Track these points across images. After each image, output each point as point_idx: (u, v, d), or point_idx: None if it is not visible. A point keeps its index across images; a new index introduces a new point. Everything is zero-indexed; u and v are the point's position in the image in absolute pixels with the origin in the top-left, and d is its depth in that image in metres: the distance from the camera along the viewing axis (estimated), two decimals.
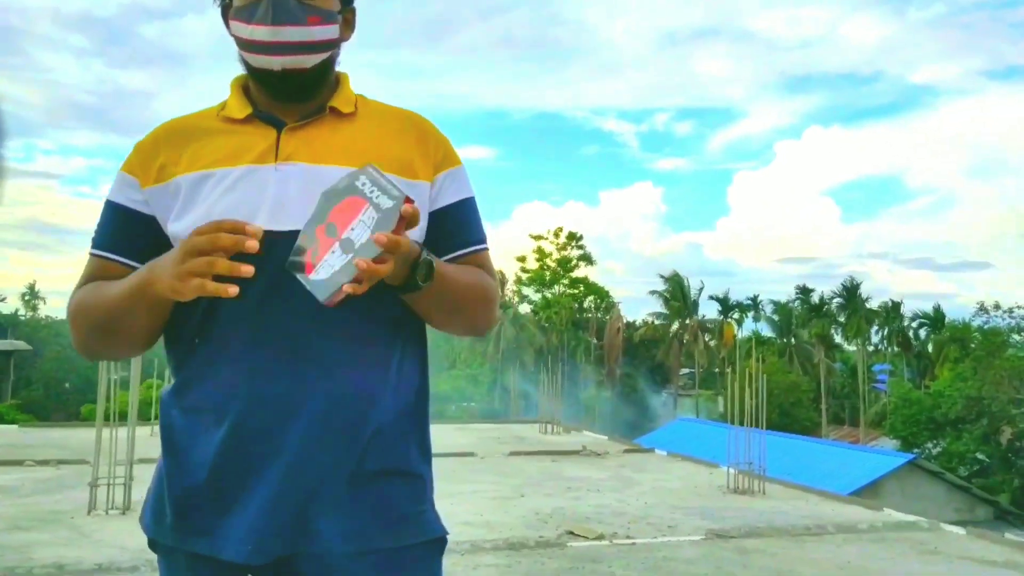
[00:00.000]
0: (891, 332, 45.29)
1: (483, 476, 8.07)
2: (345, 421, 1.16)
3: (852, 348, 46.47)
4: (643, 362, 49.04)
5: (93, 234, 1.25)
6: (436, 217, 1.25)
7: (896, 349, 45.82)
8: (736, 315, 52.76)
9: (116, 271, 1.21)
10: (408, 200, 1.04)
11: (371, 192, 1.04)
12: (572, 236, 50.59)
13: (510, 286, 49.68)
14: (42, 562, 4.44)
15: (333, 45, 1.24)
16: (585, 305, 52.03)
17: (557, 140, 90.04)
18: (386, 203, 1.04)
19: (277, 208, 1.14)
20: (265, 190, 1.16)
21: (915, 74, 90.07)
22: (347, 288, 1.02)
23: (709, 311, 49.36)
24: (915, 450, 25.53)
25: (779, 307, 50.44)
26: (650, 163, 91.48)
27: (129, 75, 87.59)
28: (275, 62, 1.18)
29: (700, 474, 8.72)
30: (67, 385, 41.66)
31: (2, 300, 54.20)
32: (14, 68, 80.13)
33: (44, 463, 7.87)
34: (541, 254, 50.35)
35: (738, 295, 50.33)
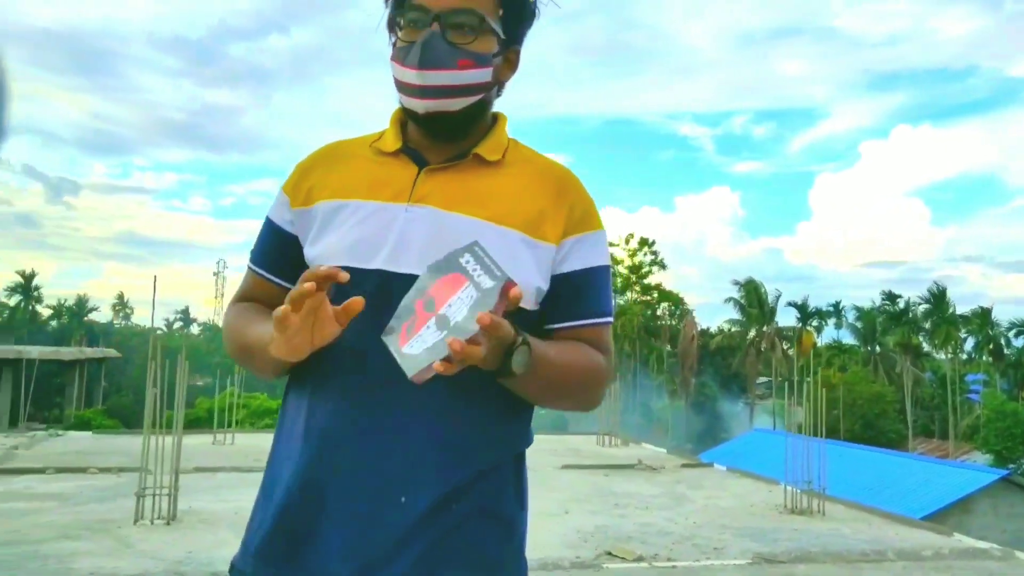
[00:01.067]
0: (983, 340, 42.88)
1: (530, 491, 7.94)
2: (439, 464, 1.10)
3: (942, 357, 44.21)
4: (719, 371, 47.90)
5: (252, 246, 1.29)
6: (557, 281, 1.18)
7: (989, 358, 43.37)
8: (815, 322, 50.99)
9: (264, 287, 1.26)
10: (510, 283, 0.99)
11: (473, 270, 1.00)
12: (644, 242, 49.95)
13: None
14: (79, 572, 4.56)
15: (483, 88, 1.19)
16: (658, 312, 51.23)
17: (630, 146, 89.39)
18: (487, 283, 0.99)
19: (399, 249, 1.13)
20: (391, 229, 1.14)
21: (1012, 68, 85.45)
22: (437, 367, 0.96)
23: (788, 318, 47.84)
24: (1010, 465, 24.08)
25: (862, 313, 48.49)
26: (727, 167, 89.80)
27: (217, 93, 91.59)
28: (419, 105, 1.16)
29: (758, 492, 8.36)
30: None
31: (95, 310, 57.08)
32: (113, 89, 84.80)
33: (106, 470, 8.16)
34: (612, 261, 49.93)
35: (819, 301, 48.65)
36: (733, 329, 47.55)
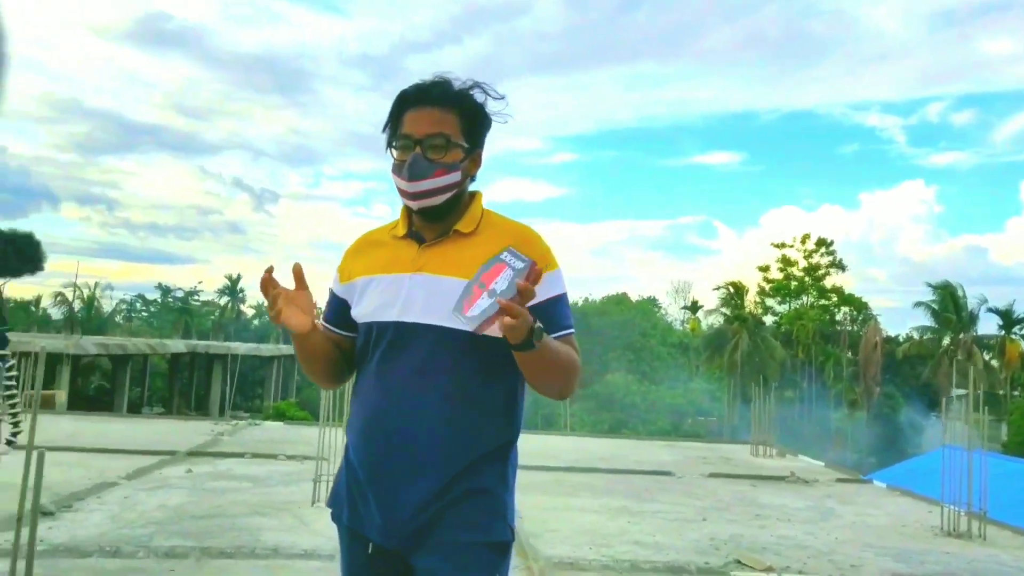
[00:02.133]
0: None
1: (671, 496, 8.10)
2: (442, 455, 1.65)
3: None
4: (906, 381, 44.44)
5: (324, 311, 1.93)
6: (533, 310, 1.63)
7: None
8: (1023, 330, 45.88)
9: (328, 335, 1.87)
10: (535, 264, 1.52)
11: (510, 260, 1.54)
12: (821, 242, 47.33)
13: (751, 296, 47.58)
14: (264, 544, 5.37)
15: (457, 186, 1.73)
16: (838, 317, 48.36)
17: (810, 140, 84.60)
18: (519, 265, 1.53)
19: (407, 306, 1.68)
20: (400, 292, 1.70)
21: None
22: (494, 320, 1.48)
23: (990, 325, 43.35)
24: None
25: None
26: (921, 159, 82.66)
27: None
28: (413, 204, 1.75)
29: (916, 511, 8.00)
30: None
31: None
32: (307, 105, 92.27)
33: (292, 457, 9.24)
34: (786, 263, 47.70)
35: None
36: (925, 336, 43.90)
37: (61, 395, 14.75)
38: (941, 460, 7.47)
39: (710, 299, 50.73)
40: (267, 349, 41.21)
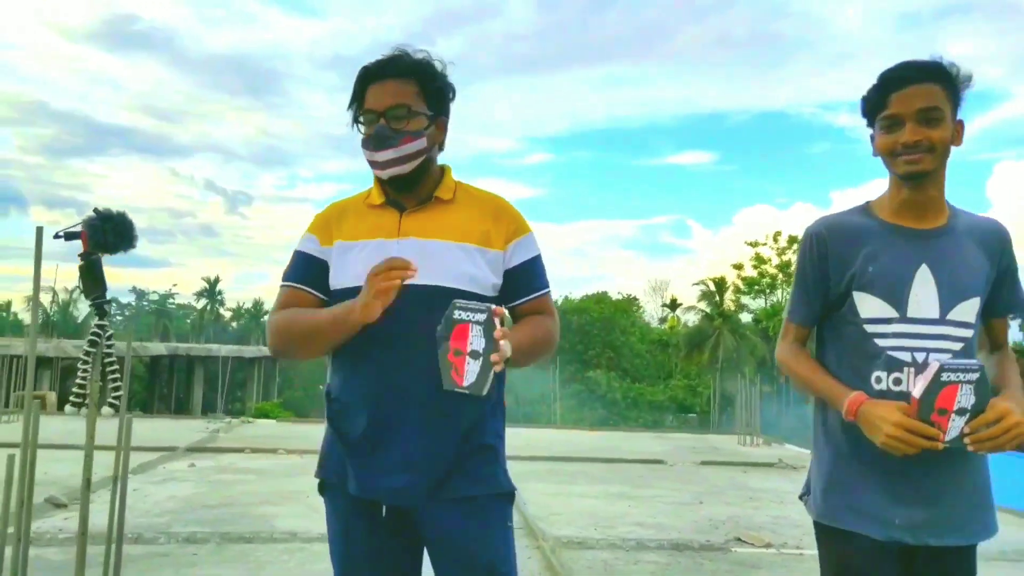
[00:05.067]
0: None
1: (667, 483, 8.34)
2: (453, 410, 1.71)
3: None
4: None
5: (284, 273, 1.91)
6: (509, 274, 1.81)
7: None
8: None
9: (302, 297, 1.83)
10: (496, 308, 1.59)
11: (468, 316, 1.57)
12: (793, 240, 48.11)
13: (728, 295, 48.22)
14: (281, 529, 5.51)
15: (423, 153, 1.80)
16: None
17: (782, 140, 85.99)
18: (480, 316, 1.57)
19: None
20: (390, 255, 1.69)
21: None
22: (494, 372, 1.56)
23: None
24: None
25: None
26: None
27: None
28: (383, 173, 1.81)
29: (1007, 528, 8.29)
30: (321, 387, 46.94)
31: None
32: (279, 107, 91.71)
33: (292, 452, 9.35)
34: (759, 260, 48.40)
35: None
36: None
37: (51, 396, 14.76)
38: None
39: (687, 296, 51.25)
40: (249, 351, 41.01)
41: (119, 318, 65.96)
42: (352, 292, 1.72)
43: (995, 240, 1.77)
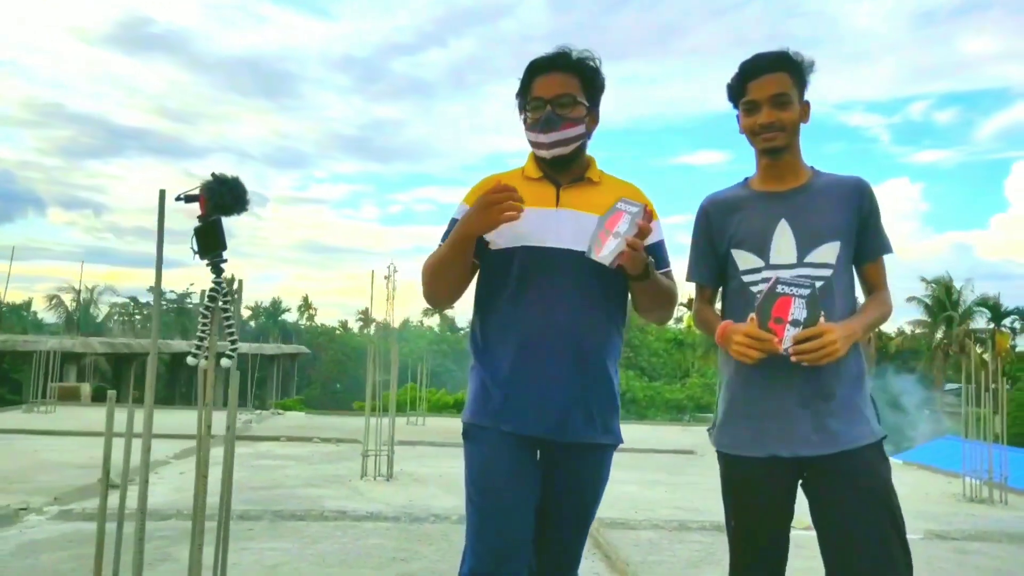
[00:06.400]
0: None
1: (700, 471, 8.39)
2: (583, 363, 1.95)
3: None
4: (899, 374, 45.02)
5: (443, 235, 2.06)
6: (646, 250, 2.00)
7: None
8: (1016, 323, 46.58)
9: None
10: (647, 209, 1.86)
11: (626, 208, 1.87)
12: None
13: None
14: (330, 508, 5.62)
15: (581, 138, 2.04)
16: None
17: None
18: (634, 210, 1.86)
19: (558, 235, 1.96)
20: (551, 223, 1.97)
21: None
22: (624, 254, 1.81)
23: (978, 320, 43.93)
24: None
25: None
26: (906, 157, 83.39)
27: (383, 107, 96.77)
28: (547, 153, 2.04)
29: (935, 482, 8.33)
30: (338, 386, 47.30)
31: (287, 311, 62.51)
32: (293, 109, 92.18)
33: (327, 440, 9.48)
34: None
35: (1020, 300, 44.06)
36: (917, 331, 44.46)
37: (86, 388, 15.03)
38: (941, 449, 7.76)
39: None
40: (269, 348, 41.32)
41: (138, 317, 66.67)
42: (512, 252, 1.96)
43: (853, 191, 2.01)
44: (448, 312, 55.93)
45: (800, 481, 1.96)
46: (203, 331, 2.23)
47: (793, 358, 1.81)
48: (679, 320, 56.94)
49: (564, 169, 2.04)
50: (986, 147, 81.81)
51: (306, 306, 66.32)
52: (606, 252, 1.81)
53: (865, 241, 2.02)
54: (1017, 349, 41.54)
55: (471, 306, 2.11)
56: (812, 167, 2.09)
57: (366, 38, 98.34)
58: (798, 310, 1.81)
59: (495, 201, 1.82)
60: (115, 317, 62.57)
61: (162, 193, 2.10)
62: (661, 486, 7.30)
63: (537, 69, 2.02)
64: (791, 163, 2.03)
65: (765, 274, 1.95)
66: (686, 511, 6.17)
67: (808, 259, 1.94)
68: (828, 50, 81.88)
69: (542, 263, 1.94)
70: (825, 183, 2.04)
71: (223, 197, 2.11)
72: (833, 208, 1.99)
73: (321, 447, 9.11)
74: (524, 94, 2.04)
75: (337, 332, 64.44)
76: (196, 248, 2.18)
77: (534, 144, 2.04)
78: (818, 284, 1.88)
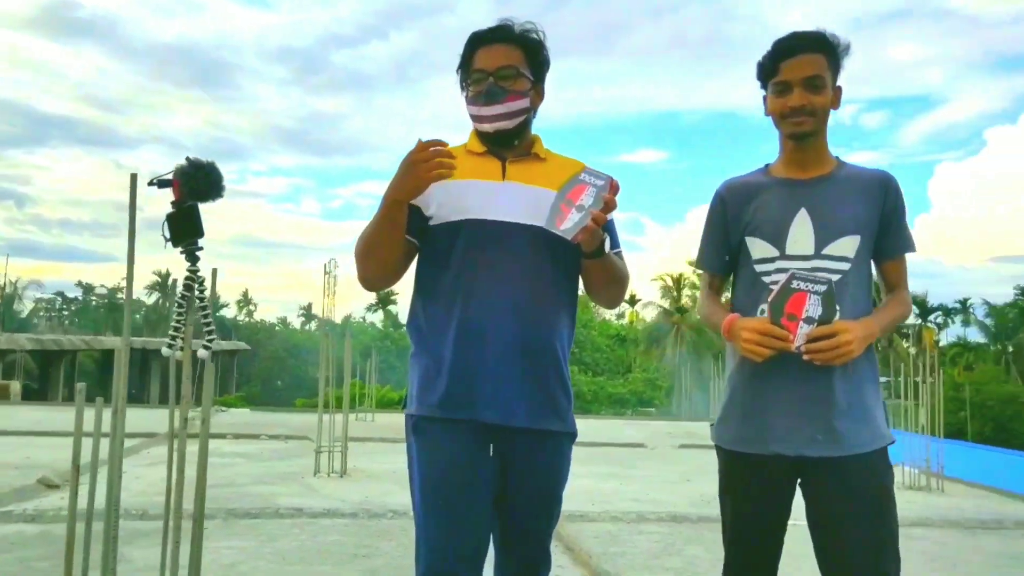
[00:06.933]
0: None
1: (651, 464, 8.51)
2: (533, 345, 1.83)
3: None
4: None
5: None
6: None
7: None
8: (939, 319, 48.70)
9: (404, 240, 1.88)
10: (612, 181, 1.73)
11: (590, 180, 1.74)
12: None
13: (686, 292, 48.93)
14: (285, 505, 5.50)
15: (525, 112, 1.92)
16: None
17: (733, 139, 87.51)
18: (599, 183, 1.73)
19: (505, 208, 1.84)
20: (498, 196, 1.85)
21: None
22: (587, 228, 1.68)
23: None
24: None
25: (992, 310, 46.01)
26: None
27: (323, 100, 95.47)
28: (489, 127, 1.93)
29: None
30: (279, 383, 46.44)
31: (225, 307, 60.99)
32: (229, 100, 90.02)
33: (275, 437, 9.29)
34: None
35: (944, 297, 46.16)
36: None
37: (16, 385, 14.32)
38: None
39: (644, 292, 51.88)
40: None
41: (66, 312, 64.16)
42: (455, 226, 1.83)
43: (877, 185, 1.92)
44: (392, 308, 55.46)
45: (799, 480, 1.90)
46: (179, 321, 2.13)
47: (806, 357, 1.74)
48: (621, 316, 57.68)
49: (509, 145, 1.93)
50: (911, 150, 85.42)
51: (246, 301, 64.84)
52: (569, 225, 1.68)
53: (887, 238, 1.94)
54: (941, 344, 43.39)
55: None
56: (837, 157, 2.00)
57: (305, 29, 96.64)
58: (813, 307, 1.73)
59: (422, 159, 1.65)
60: (40, 313, 60.11)
61: (133, 177, 2.00)
62: (615, 479, 7.37)
63: (478, 41, 1.92)
64: (817, 150, 1.94)
65: (779, 264, 1.87)
66: (643, 503, 6.24)
67: (825, 251, 1.86)
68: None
69: (489, 237, 1.81)
70: (849, 174, 1.95)
71: (198, 182, 2.02)
72: (856, 201, 1.90)
73: (270, 444, 8.92)
74: (465, 67, 1.93)
75: (277, 328, 63.21)
76: (168, 236, 2.07)
77: (476, 118, 1.92)
78: (834, 278, 1.81)
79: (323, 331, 8.80)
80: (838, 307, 1.76)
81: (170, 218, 2.06)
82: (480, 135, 1.95)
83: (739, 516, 1.95)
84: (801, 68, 1.86)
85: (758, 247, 1.92)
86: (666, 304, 47.30)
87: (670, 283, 47.75)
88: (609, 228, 1.91)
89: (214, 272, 2.15)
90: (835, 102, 1.92)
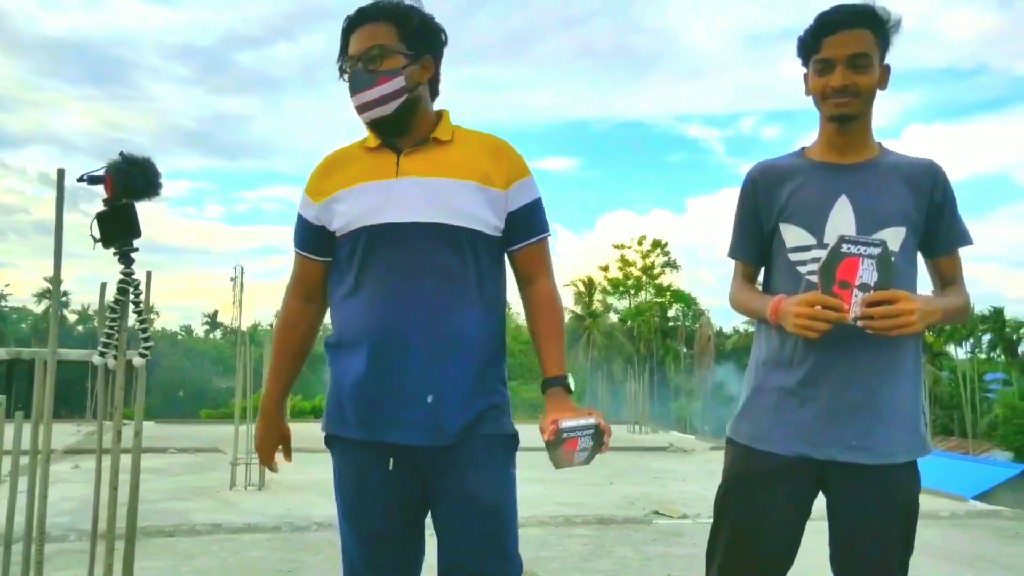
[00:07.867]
0: (998, 339, 43.03)
1: (573, 467, 8.58)
2: (448, 352, 1.66)
3: (960, 356, 44.39)
4: (737, 370, 48.29)
5: (293, 237, 1.83)
6: (512, 216, 1.76)
7: (1008, 357, 43.47)
8: None
9: (307, 266, 1.79)
10: (601, 425, 1.58)
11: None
12: (657, 244, 50.42)
13: (597, 296, 49.87)
14: (201, 522, 5.25)
15: (404, 92, 1.70)
16: (672, 313, 51.68)
17: (641, 148, 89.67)
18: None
19: (400, 208, 1.67)
20: (391, 195, 1.68)
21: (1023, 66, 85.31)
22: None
23: None
24: None
25: None
26: (737, 168, 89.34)
27: (227, 101, 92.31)
28: (364, 116, 1.72)
29: None
30: (181, 393, 44.52)
31: None
32: (126, 98, 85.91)
33: (184, 450, 8.87)
34: (624, 263, 50.37)
35: None
36: (750, 330, 47.86)
37: None
38: None
39: None
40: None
41: None
42: (355, 235, 1.70)
43: (924, 175, 1.76)
44: None
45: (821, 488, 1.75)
46: (112, 327, 1.98)
47: (860, 323, 1.57)
48: None
49: (400, 133, 1.74)
50: None
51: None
52: (581, 458, 1.61)
53: (940, 231, 1.77)
54: None
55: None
56: (880, 143, 1.82)
57: (208, 28, 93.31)
58: (867, 272, 1.56)
59: (262, 451, 1.94)
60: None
61: (60, 172, 1.85)
62: (538, 483, 7.38)
63: (350, 25, 1.74)
64: (860, 134, 1.77)
65: (815, 253, 1.70)
66: (568, 507, 6.28)
67: None
68: (670, 65, 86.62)
69: (385, 242, 1.67)
70: (894, 162, 1.78)
71: (133, 180, 1.87)
72: (902, 190, 1.73)
73: (179, 458, 8.51)
74: (342, 56, 1.76)
75: (180, 337, 60.63)
76: (99, 236, 1.92)
77: (355, 109, 1.73)
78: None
79: (240, 340, 8.47)
80: (895, 274, 1.60)
81: (101, 217, 1.90)
82: (369, 127, 1.77)
83: (746, 520, 1.77)
84: (846, 45, 1.69)
85: (793, 234, 1.76)
86: (578, 309, 48.00)
87: (582, 288, 48.50)
88: (532, 214, 1.78)
89: (148, 275, 2.01)
90: (882, 82, 1.75)
